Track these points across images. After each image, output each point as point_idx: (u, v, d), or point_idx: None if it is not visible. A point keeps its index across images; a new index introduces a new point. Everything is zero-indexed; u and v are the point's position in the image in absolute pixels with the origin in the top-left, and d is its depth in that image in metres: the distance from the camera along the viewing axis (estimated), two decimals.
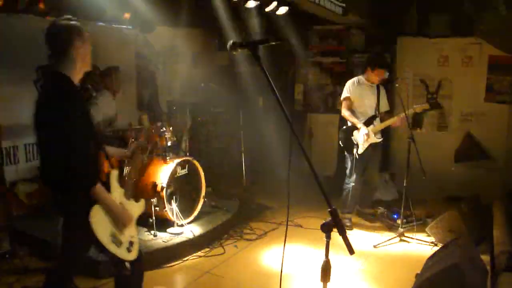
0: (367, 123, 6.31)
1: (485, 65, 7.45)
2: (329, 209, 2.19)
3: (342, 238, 2.14)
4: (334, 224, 2.16)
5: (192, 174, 5.98)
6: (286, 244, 3.20)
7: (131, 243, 3.25)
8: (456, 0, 6.41)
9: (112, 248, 3.06)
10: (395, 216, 6.41)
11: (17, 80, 6.05)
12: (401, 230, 5.99)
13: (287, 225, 2.84)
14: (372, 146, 6.36)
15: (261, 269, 5.16)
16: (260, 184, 7.97)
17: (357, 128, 6.27)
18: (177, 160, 5.72)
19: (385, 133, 7.98)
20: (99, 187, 2.98)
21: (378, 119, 6.39)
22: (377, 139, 6.34)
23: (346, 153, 6.49)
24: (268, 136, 8.26)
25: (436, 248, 5.49)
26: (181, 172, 5.80)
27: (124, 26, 7.14)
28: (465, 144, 7.74)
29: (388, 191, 7.55)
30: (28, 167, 6.28)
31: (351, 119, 6.33)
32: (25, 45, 6.09)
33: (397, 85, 6.03)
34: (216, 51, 9.55)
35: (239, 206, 6.61)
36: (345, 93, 6.41)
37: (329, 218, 2.21)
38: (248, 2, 5.50)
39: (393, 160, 8.14)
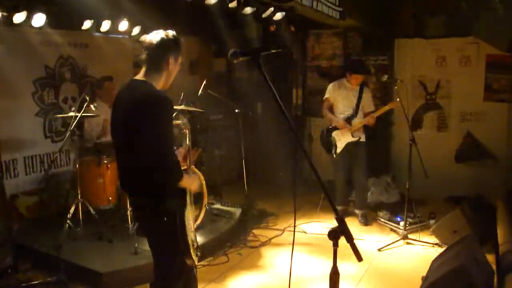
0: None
1: (483, 64, 7.44)
2: (336, 217, 2.17)
3: (350, 245, 2.11)
4: (342, 232, 2.14)
5: None
6: (290, 250, 3.17)
7: (197, 248, 3.38)
8: (452, 0, 6.40)
9: (193, 252, 3.18)
10: (398, 218, 6.38)
11: (15, 94, 6.05)
12: (404, 232, 5.98)
13: (294, 232, 2.81)
14: (353, 146, 6.65)
15: (267, 276, 5.13)
16: (261, 190, 7.94)
17: (335, 128, 6.66)
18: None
19: (385, 135, 8.02)
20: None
21: (356, 119, 6.62)
22: (353, 137, 6.59)
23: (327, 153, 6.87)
24: (268, 142, 8.24)
25: (440, 250, 5.46)
26: None
27: (121, 36, 7.11)
28: (465, 144, 7.72)
29: (390, 193, 7.53)
30: (27, 180, 6.27)
31: (327, 117, 6.77)
32: (23, 58, 6.09)
33: (396, 87, 6.12)
34: (213, 58, 9.54)
35: (241, 213, 6.58)
36: (325, 95, 6.82)
37: (335, 225, 2.18)
38: (245, 8, 5.47)
39: (394, 163, 8.12)
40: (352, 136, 6.57)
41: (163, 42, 3.13)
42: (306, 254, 5.66)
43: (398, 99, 6.07)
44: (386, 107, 6.44)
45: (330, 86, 6.85)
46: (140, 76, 3.17)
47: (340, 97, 6.70)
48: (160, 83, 3.17)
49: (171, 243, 3.16)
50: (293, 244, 2.91)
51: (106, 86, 6.39)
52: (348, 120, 6.61)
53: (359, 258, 2.14)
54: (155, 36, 3.13)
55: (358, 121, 6.57)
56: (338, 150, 6.67)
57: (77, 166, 5.81)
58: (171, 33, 3.21)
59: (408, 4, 7.75)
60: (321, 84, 8.52)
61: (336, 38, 8.44)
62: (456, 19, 7.15)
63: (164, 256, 3.27)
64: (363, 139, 6.67)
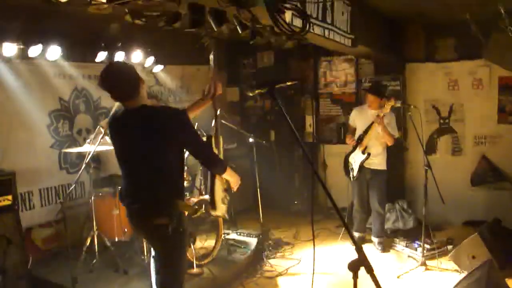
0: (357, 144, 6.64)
1: (495, 86, 7.40)
2: (355, 248, 2.15)
3: (371, 277, 2.08)
4: (361, 263, 2.11)
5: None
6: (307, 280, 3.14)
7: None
8: (462, 23, 6.41)
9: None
10: (416, 244, 6.31)
11: (30, 126, 6.11)
12: (423, 259, 5.90)
13: (314, 260, 2.78)
14: (371, 173, 6.59)
15: None
16: (276, 219, 7.90)
17: (351, 152, 6.71)
18: (194, 200, 5.68)
19: (400, 161, 7.95)
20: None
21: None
22: (363, 154, 6.50)
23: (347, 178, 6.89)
24: (282, 170, 8.23)
25: (459, 276, 5.38)
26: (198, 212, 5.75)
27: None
28: (481, 167, 7.65)
29: (406, 219, 7.44)
30: (43, 212, 6.27)
31: (347, 141, 6.77)
32: (38, 91, 6.17)
33: (409, 113, 6.09)
34: (225, 86, 9.58)
35: (257, 243, 6.52)
36: (349, 121, 6.95)
37: (355, 255, 2.16)
38: (257, 37, 5.50)
39: (409, 188, 8.05)
40: (362, 153, 6.50)
41: (132, 72, 3.69)
42: (325, 284, 5.58)
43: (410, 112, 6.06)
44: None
45: (352, 112, 6.92)
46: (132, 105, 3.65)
47: (359, 122, 6.68)
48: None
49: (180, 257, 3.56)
50: (313, 273, 2.88)
51: None
52: (360, 139, 6.56)
53: None
54: (123, 70, 3.71)
55: (366, 136, 6.46)
56: (355, 173, 6.64)
57: (92, 198, 5.82)
58: (125, 63, 3.92)
59: (418, 29, 7.77)
60: (334, 111, 8.54)
61: (347, 64, 8.46)
62: (467, 42, 7.15)
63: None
64: (383, 167, 6.60)
